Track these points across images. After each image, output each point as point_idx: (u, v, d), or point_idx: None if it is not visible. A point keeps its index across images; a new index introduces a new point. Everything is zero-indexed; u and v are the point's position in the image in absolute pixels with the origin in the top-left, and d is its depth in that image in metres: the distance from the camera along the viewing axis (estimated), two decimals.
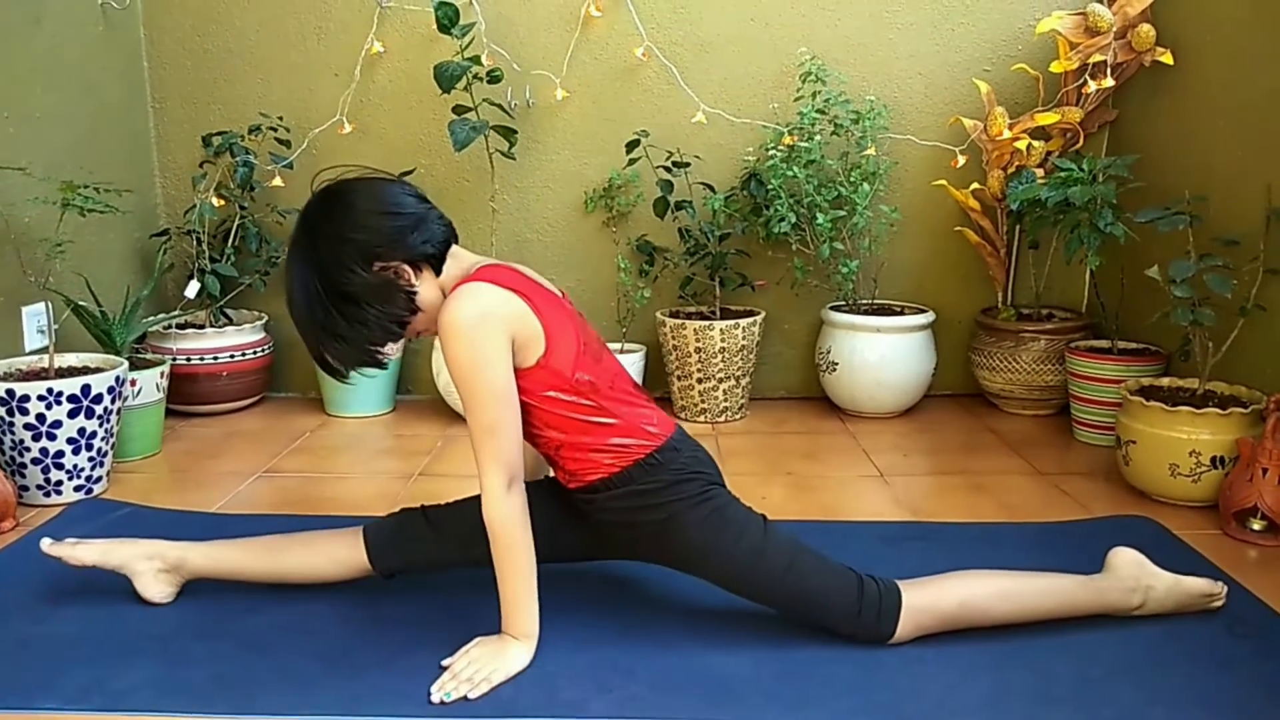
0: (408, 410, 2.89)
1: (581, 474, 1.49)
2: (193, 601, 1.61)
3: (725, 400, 2.72)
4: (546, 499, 1.58)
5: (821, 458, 2.44)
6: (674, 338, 2.69)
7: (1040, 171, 2.58)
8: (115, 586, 1.61)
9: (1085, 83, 2.55)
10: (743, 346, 2.69)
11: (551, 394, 1.42)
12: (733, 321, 2.66)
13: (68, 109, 2.52)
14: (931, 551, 1.80)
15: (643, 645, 1.49)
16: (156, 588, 1.60)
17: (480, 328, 1.35)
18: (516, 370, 1.40)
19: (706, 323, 2.65)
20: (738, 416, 2.77)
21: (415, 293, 1.41)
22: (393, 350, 1.48)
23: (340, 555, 1.60)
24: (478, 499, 1.63)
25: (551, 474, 1.62)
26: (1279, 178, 2.05)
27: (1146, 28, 2.48)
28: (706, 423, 2.73)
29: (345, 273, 1.37)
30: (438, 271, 1.44)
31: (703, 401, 2.72)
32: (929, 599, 1.47)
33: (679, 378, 2.73)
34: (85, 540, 1.61)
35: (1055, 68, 2.57)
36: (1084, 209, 2.34)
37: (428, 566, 1.62)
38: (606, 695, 1.36)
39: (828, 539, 1.64)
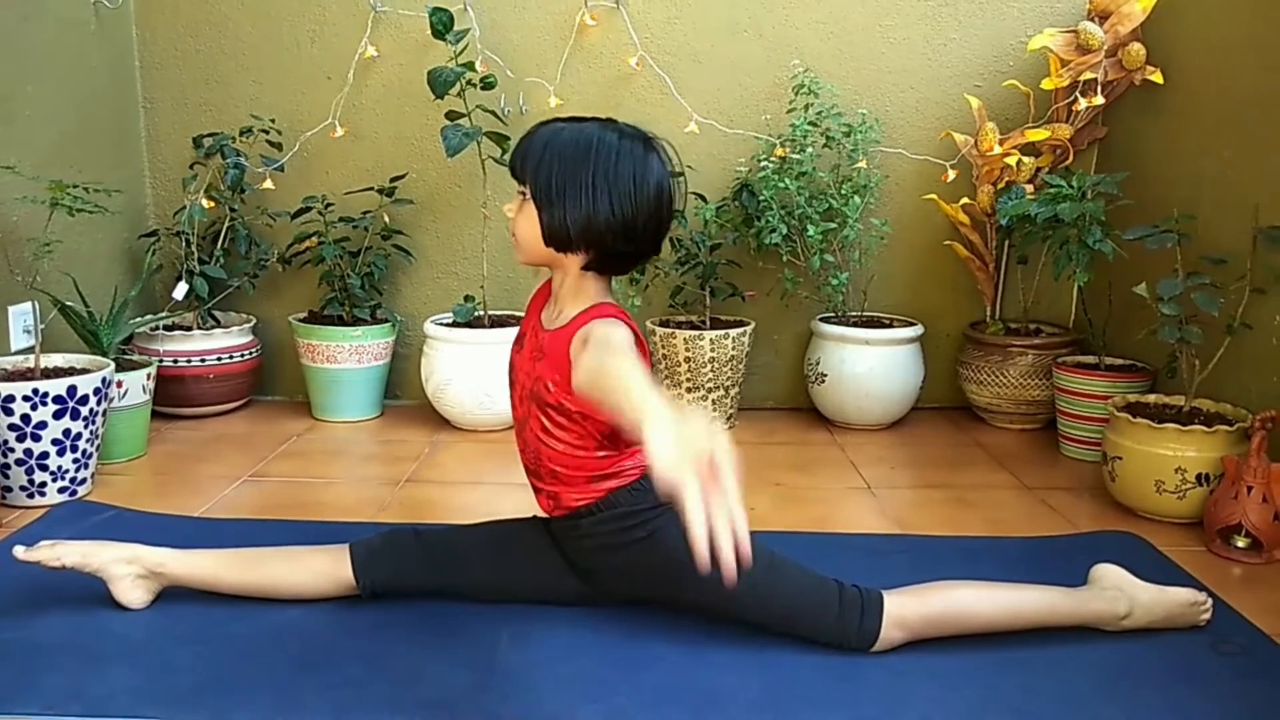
0: (396, 415, 2.88)
1: (567, 500, 1.51)
2: (175, 607, 1.60)
3: (714, 410, 2.73)
4: (532, 539, 1.61)
5: (809, 469, 2.45)
6: (664, 347, 2.69)
7: (1030, 187, 2.60)
8: (96, 591, 1.59)
9: (1076, 100, 2.57)
10: (732, 356, 2.69)
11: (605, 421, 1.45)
12: (722, 331, 2.67)
13: (57, 108, 2.51)
14: (917, 565, 1.79)
15: (626, 658, 1.48)
16: (134, 593, 1.58)
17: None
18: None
19: (696, 332, 2.66)
20: (726, 426, 2.77)
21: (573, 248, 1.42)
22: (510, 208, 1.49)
23: (324, 570, 1.59)
24: (471, 526, 1.66)
25: (535, 515, 1.64)
26: (1266, 197, 2.07)
27: (1137, 46, 2.50)
28: None
29: (608, 196, 1.39)
30: (596, 270, 1.46)
31: None
32: (911, 600, 1.48)
33: (668, 387, 2.74)
34: (64, 542, 1.59)
35: (1046, 84, 2.59)
36: (1073, 225, 2.35)
37: (413, 587, 1.61)
38: (591, 706, 1.35)
39: (814, 551, 1.65)
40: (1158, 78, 2.48)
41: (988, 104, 2.70)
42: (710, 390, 2.70)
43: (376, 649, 1.49)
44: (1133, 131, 2.66)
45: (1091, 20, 2.55)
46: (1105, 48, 2.51)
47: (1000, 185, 2.65)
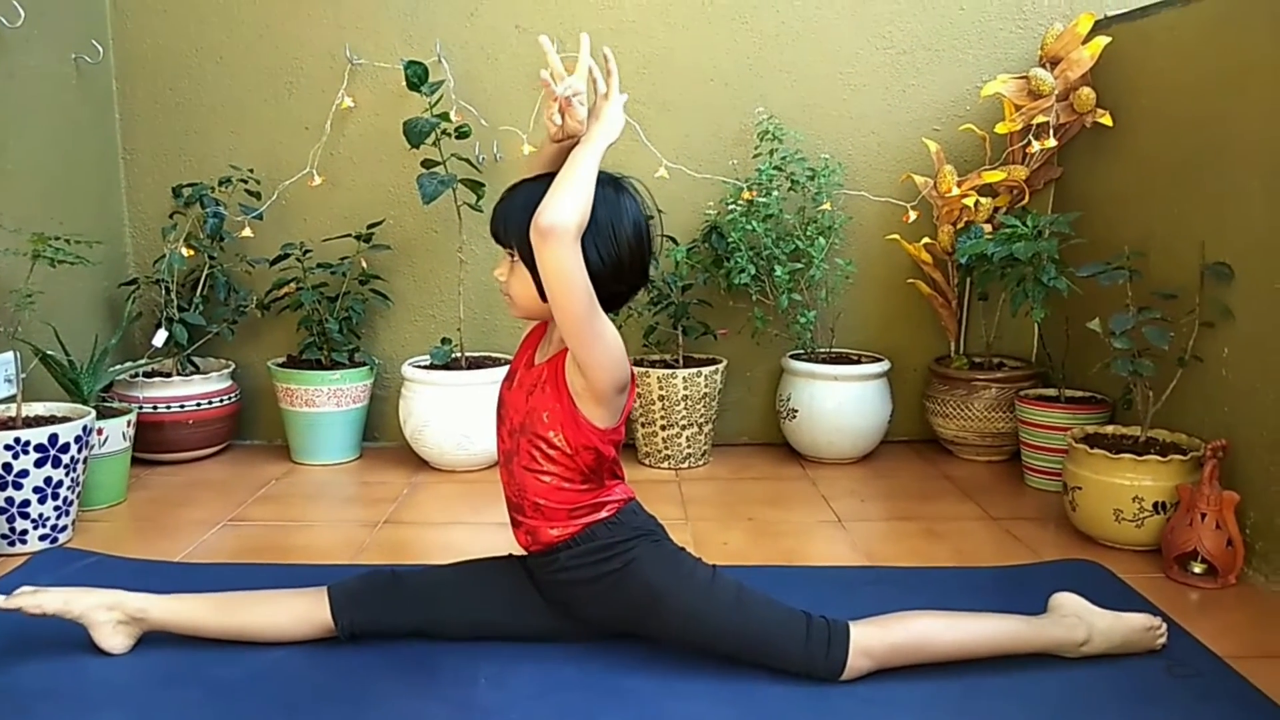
0: (374, 458, 2.91)
1: (545, 535, 1.56)
2: (160, 650, 1.62)
3: (688, 447, 2.78)
4: (508, 576, 1.65)
5: (782, 503, 2.50)
6: (638, 385, 2.74)
7: (988, 227, 2.68)
8: (78, 637, 1.61)
9: (1029, 143, 2.66)
10: (705, 394, 2.75)
11: (595, 448, 1.51)
12: (695, 369, 2.72)
13: (39, 161, 2.55)
14: (886, 596, 1.84)
15: (603, 691, 1.52)
16: (115, 639, 1.60)
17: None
18: (589, 423, 1.50)
19: (670, 370, 2.71)
20: (700, 463, 2.82)
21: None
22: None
23: (303, 613, 1.62)
24: (447, 566, 1.71)
25: (510, 553, 1.69)
26: (1212, 234, 2.15)
27: (1087, 91, 2.60)
28: (670, 469, 2.78)
29: (611, 233, 1.49)
30: None
31: (666, 448, 2.77)
32: (877, 630, 1.53)
33: (643, 424, 2.79)
34: (45, 589, 1.61)
35: (1001, 128, 2.69)
36: (1028, 264, 2.43)
37: (392, 627, 1.64)
38: None
39: (785, 584, 1.70)
40: (1107, 120, 2.58)
41: (946, 147, 2.80)
42: (684, 427, 2.75)
43: (357, 690, 1.52)
44: (1086, 172, 2.76)
45: (1042, 66, 2.66)
46: (1056, 92, 2.61)
47: (960, 225, 2.73)
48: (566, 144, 1.52)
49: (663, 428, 2.75)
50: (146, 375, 2.75)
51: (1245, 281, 2.05)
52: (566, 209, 1.38)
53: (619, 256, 1.48)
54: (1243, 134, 2.08)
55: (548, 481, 1.53)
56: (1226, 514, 1.94)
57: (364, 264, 2.88)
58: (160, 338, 2.72)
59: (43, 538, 2.13)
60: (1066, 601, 1.64)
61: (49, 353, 2.34)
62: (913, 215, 2.81)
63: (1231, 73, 2.12)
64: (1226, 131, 2.14)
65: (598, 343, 1.44)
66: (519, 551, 1.65)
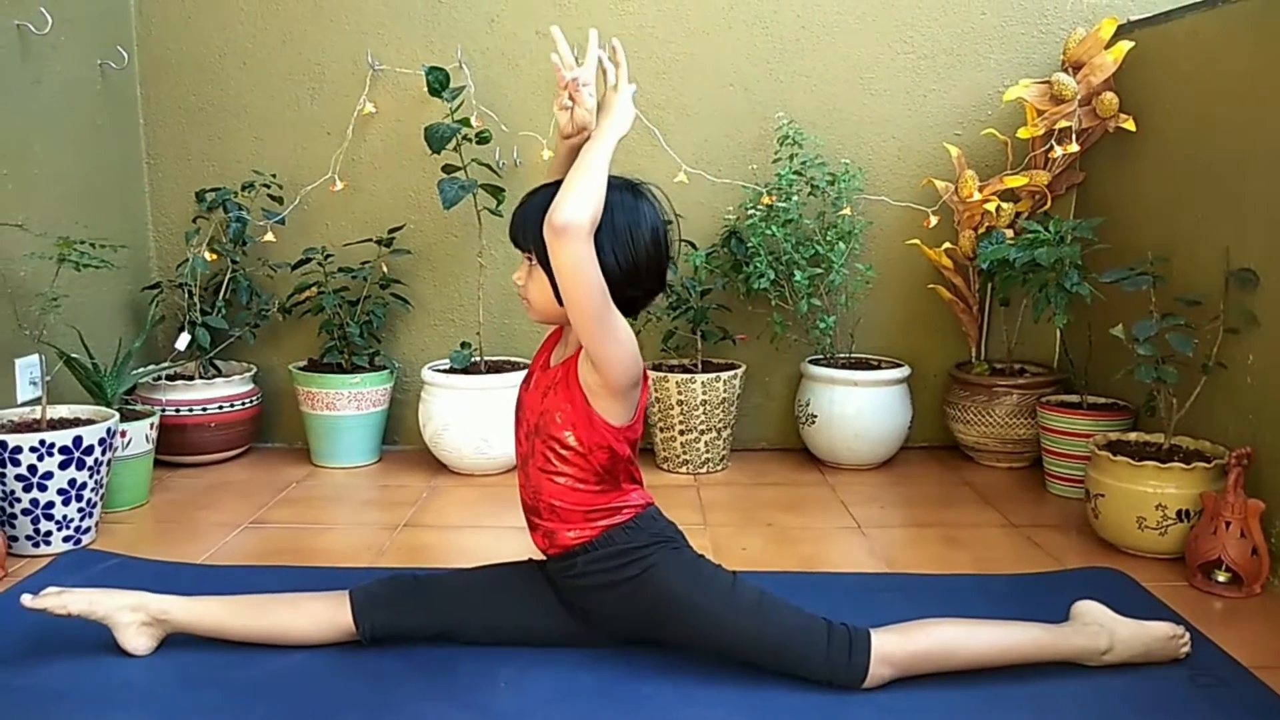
0: (394, 461, 2.92)
1: (563, 537, 1.56)
2: (179, 653, 1.63)
3: (707, 452, 2.77)
4: (529, 581, 1.66)
5: (801, 509, 2.49)
6: (657, 390, 2.75)
7: (1010, 232, 2.67)
8: (102, 638, 1.62)
9: (1052, 147, 2.65)
10: (724, 399, 2.74)
11: (610, 446, 1.52)
12: (714, 374, 2.72)
13: (65, 166, 2.58)
14: (906, 603, 1.83)
15: (621, 698, 1.52)
16: (138, 640, 1.61)
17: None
18: (603, 421, 1.50)
19: (688, 375, 2.71)
20: (719, 468, 2.82)
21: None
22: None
23: (325, 616, 1.62)
24: (468, 570, 1.72)
25: (530, 558, 1.70)
26: (1236, 240, 2.13)
27: (1110, 96, 2.59)
28: (688, 474, 2.78)
29: (629, 237, 1.49)
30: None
31: (685, 453, 2.77)
32: (898, 638, 1.52)
33: (661, 429, 2.78)
34: (70, 589, 1.63)
35: (1023, 133, 2.67)
36: (1051, 269, 2.42)
37: (412, 631, 1.64)
38: None
39: (804, 590, 1.69)
40: (1130, 125, 2.56)
41: (967, 152, 2.78)
42: (703, 432, 2.75)
43: (376, 693, 1.52)
44: (1109, 177, 2.74)
45: (1065, 71, 2.64)
46: (1079, 97, 2.59)
47: (981, 230, 2.72)
48: (577, 141, 1.54)
49: (681, 433, 2.75)
50: (169, 378, 2.78)
51: (1270, 287, 2.03)
52: (578, 205, 1.39)
53: (636, 261, 1.49)
54: (1267, 139, 2.06)
55: (562, 483, 1.54)
56: (1251, 522, 1.92)
57: (385, 268, 2.89)
58: (183, 341, 2.75)
59: (66, 539, 2.15)
60: (1088, 609, 1.63)
61: (73, 356, 2.36)
62: (934, 220, 2.79)
63: (1255, 77, 2.10)
64: (1250, 136, 2.12)
65: (611, 338, 1.44)
66: (538, 556, 1.66)
